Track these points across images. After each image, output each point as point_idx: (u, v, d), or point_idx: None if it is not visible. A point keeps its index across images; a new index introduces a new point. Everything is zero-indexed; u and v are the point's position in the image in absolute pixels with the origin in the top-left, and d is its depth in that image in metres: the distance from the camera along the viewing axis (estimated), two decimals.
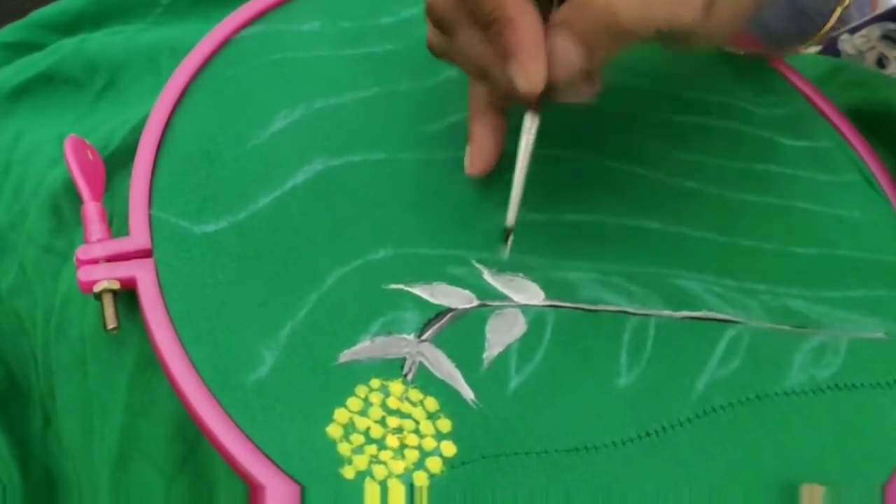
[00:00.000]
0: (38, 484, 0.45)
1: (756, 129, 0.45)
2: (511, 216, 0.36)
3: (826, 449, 0.35)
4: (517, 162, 0.35)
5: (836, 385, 0.37)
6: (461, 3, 0.34)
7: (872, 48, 0.54)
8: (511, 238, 0.37)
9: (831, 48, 0.56)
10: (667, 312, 0.38)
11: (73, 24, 0.52)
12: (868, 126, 0.46)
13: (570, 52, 0.33)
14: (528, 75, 0.33)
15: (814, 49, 0.57)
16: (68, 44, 0.50)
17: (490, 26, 0.34)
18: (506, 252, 0.37)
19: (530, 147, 0.35)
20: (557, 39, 0.33)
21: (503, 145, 0.39)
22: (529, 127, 0.35)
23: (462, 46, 0.36)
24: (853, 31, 0.55)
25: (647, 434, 0.34)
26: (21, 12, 0.54)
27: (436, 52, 0.38)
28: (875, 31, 0.54)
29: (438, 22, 0.36)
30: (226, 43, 0.43)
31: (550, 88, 0.34)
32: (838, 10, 0.41)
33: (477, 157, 0.39)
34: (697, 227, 0.41)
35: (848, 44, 0.55)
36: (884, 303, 0.40)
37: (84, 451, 0.41)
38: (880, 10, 0.57)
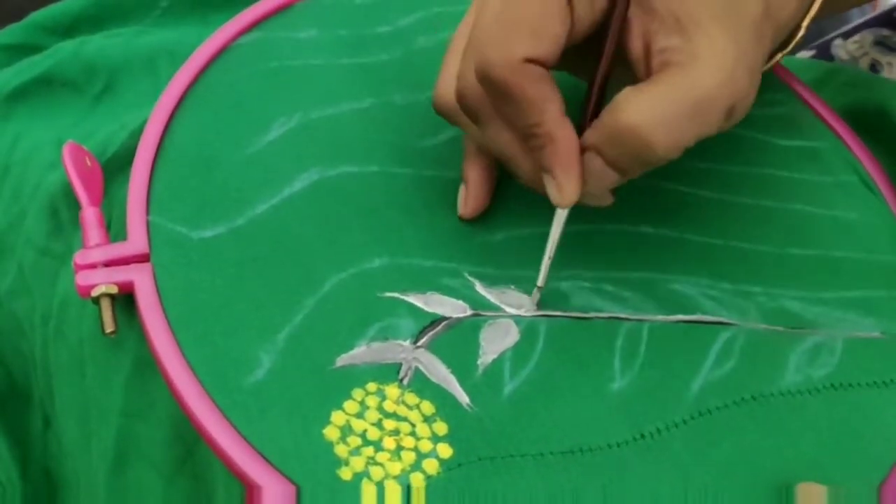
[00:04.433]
0: (38, 485, 0.45)
1: (751, 131, 0.45)
2: (542, 277, 0.37)
3: (822, 449, 0.35)
4: (550, 235, 0.36)
5: (832, 385, 0.37)
6: (497, 103, 0.35)
7: (865, 54, 0.54)
8: (538, 296, 0.37)
9: (825, 53, 0.56)
10: (661, 317, 0.38)
11: (71, 26, 0.52)
12: (863, 128, 0.46)
13: (605, 175, 0.34)
14: (565, 193, 0.35)
15: (808, 54, 0.57)
16: (67, 46, 0.50)
17: (529, 139, 0.34)
18: (533, 306, 0.38)
19: (561, 226, 0.36)
20: (593, 161, 0.34)
21: (495, 186, 0.40)
22: (561, 214, 0.36)
23: (489, 137, 0.36)
24: (846, 35, 0.55)
25: (642, 436, 0.35)
26: (20, 13, 0.54)
27: (446, 117, 0.39)
28: (868, 36, 0.54)
29: (468, 110, 0.36)
30: (224, 50, 0.43)
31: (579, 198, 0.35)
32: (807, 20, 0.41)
33: (471, 200, 0.39)
34: (693, 231, 0.41)
35: (841, 49, 0.55)
36: (880, 303, 0.40)
37: (83, 453, 0.41)
38: (880, 10, 0.57)
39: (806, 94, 0.47)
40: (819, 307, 0.39)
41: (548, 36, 0.33)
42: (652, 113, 0.32)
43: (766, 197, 0.42)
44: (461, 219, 0.40)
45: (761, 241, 0.41)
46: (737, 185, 0.43)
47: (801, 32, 0.41)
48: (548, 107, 0.33)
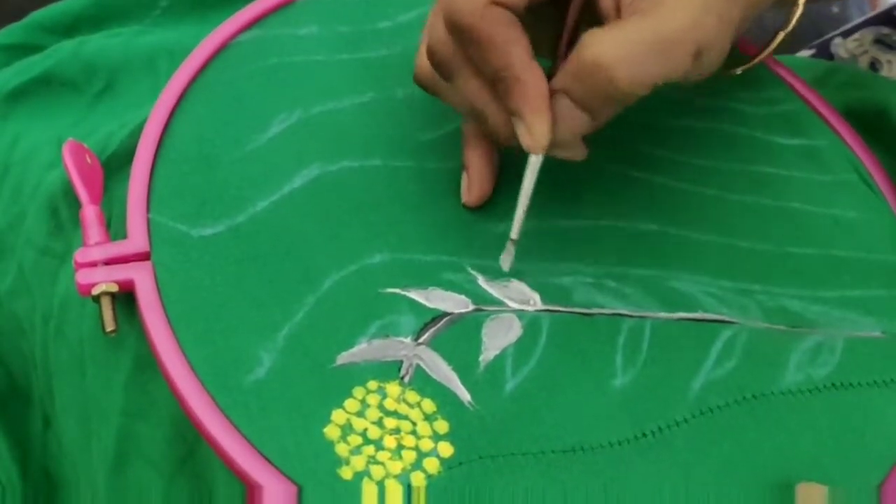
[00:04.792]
0: (38, 485, 0.45)
1: (751, 130, 0.45)
2: (515, 229, 0.37)
3: (823, 448, 0.35)
4: (522, 186, 0.36)
5: (833, 384, 0.37)
6: (466, 51, 0.35)
7: (865, 52, 0.54)
8: (513, 250, 0.37)
9: (824, 52, 0.56)
10: (662, 314, 0.38)
11: (71, 26, 0.52)
12: (863, 126, 0.46)
13: (574, 116, 0.35)
14: (535, 136, 0.35)
15: (807, 53, 0.57)
16: (66, 46, 0.50)
17: (497, 83, 0.35)
18: (507, 263, 0.38)
19: (534, 177, 0.36)
20: (561, 103, 0.34)
21: (497, 172, 0.40)
22: (535, 163, 0.36)
23: (460, 90, 0.37)
24: (846, 34, 0.55)
25: (644, 434, 0.35)
26: (20, 13, 0.54)
27: (425, 87, 0.39)
28: (868, 35, 0.54)
29: (439, 65, 0.37)
30: (224, 47, 0.43)
31: (551, 145, 0.35)
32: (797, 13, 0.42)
33: (474, 186, 0.39)
34: (693, 229, 0.41)
35: (841, 48, 0.55)
36: (881, 302, 0.40)
37: (83, 452, 0.41)
38: (880, 9, 0.57)
39: (806, 93, 0.47)
40: (819, 306, 0.39)
41: None
42: (615, 48, 0.33)
43: (767, 195, 0.42)
44: (465, 206, 0.40)
45: (761, 239, 0.41)
46: (737, 183, 0.43)
47: (800, 10, 0.41)
48: (514, 49, 0.34)
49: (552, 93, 0.35)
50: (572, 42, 0.35)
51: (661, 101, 0.45)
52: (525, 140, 0.35)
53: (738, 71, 0.46)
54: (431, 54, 0.36)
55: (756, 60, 0.45)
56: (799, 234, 0.41)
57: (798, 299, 0.39)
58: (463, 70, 0.36)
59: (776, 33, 0.43)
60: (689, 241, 0.40)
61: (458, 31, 0.34)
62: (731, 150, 0.44)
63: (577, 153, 0.37)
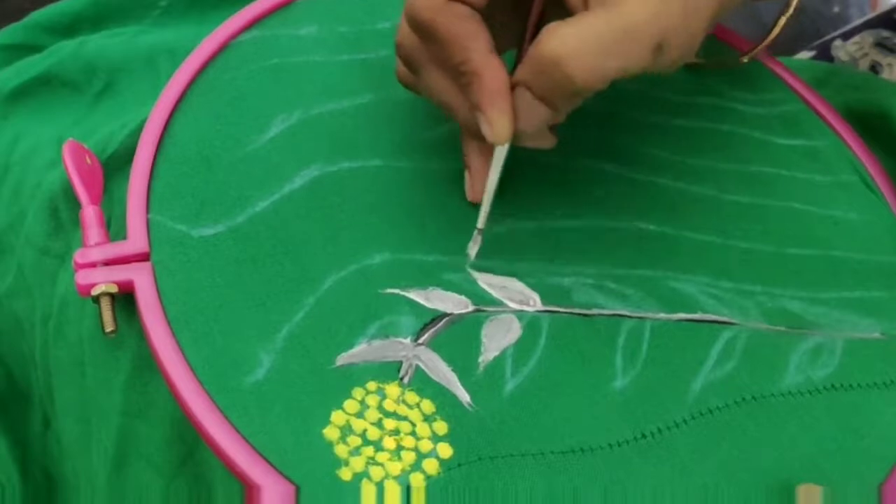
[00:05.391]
0: (38, 485, 0.45)
1: (751, 131, 0.45)
2: (481, 218, 0.37)
3: (823, 449, 0.35)
4: (488, 177, 0.37)
5: (833, 385, 0.37)
6: (429, 46, 0.36)
7: (865, 55, 0.54)
8: (479, 239, 0.38)
9: (824, 54, 0.56)
10: (662, 315, 0.38)
11: (71, 26, 0.52)
12: (863, 128, 0.46)
13: (535, 109, 0.35)
14: (496, 128, 0.35)
15: (807, 55, 0.57)
16: (67, 46, 0.50)
17: (459, 77, 0.35)
18: (473, 252, 0.38)
19: (500, 167, 0.36)
20: (522, 96, 0.34)
21: None
22: (499, 153, 0.36)
23: (429, 86, 0.37)
24: (846, 36, 0.55)
25: (643, 436, 0.34)
26: (20, 13, 0.54)
27: (404, 83, 0.39)
28: (868, 37, 0.54)
29: (406, 60, 0.37)
30: (224, 47, 0.43)
31: (516, 136, 0.35)
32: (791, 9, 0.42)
33: (477, 184, 0.39)
34: (693, 230, 0.41)
35: (841, 50, 0.55)
36: (881, 303, 0.40)
37: (83, 453, 0.41)
38: (880, 9, 0.57)
39: (806, 94, 0.47)
40: (819, 307, 0.39)
41: None
42: (572, 43, 0.33)
43: (767, 196, 0.42)
44: (472, 203, 0.40)
45: (761, 240, 0.41)
46: (737, 183, 0.43)
47: None
48: (473, 44, 0.34)
49: (514, 85, 0.35)
50: (536, 35, 0.35)
51: (661, 101, 0.45)
52: (486, 133, 0.35)
53: (745, 59, 0.46)
54: (399, 50, 0.37)
55: (759, 48, 0.45)
56: (799, 235, 0.41)
57: (798, 300, 0.39)
58: (428, 65, 0.36)
59: (777, 19, 0.42)
60: (690, 241, 0.40)
61: (419, 28, 0.35)
62: (732, 151, 0.44)
63: (545, 142, 0.37)
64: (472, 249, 0.38)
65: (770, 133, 0.45)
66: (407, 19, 0.35)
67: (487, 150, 0.39)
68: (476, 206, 0.38)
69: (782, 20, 0.43)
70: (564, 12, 0.35)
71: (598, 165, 0.42)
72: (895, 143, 0.47)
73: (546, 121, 0.35)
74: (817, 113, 0.46)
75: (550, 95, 0.34)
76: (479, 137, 0.36)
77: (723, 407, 0.36)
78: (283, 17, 0.45)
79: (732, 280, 0.39)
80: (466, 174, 0.40)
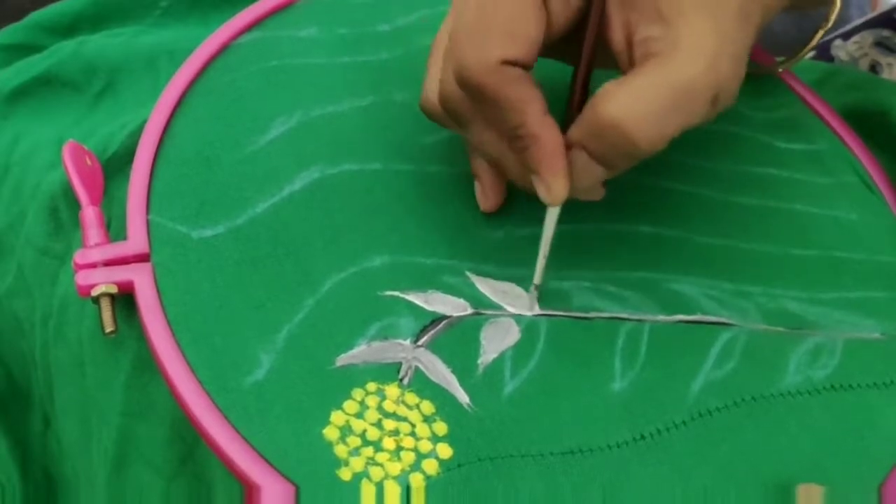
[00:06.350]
0: (38, 485, 0.45)
1: (752, 132, 0.45)
2: (538, 275, 0.37)
3: (822, 450, 0.35)
4: (543, 235, 0.36)
5: (833, 386, 0.37)
6: (479, 106, 0.35)
7: (865, 55, 0.54)
8: (536, 294, 0.37)
9: (824, 54, 0.56)
10: (661, 317, 0.38)
11: (71, 26, 0.52)
12: (863, 129, 0.46)
13: (591, 170, 0.34)
14: (553, 192, 0.34)
15: (807, 55, 0.57)
16: (67, 46, 0.50)
17: (513, 141, 0.34)
18: (534, 308, 0.37)
19: (554, 225, 0.36)
20: (578, 157, 0.34)
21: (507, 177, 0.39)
22: (553, 211, 0.36)
23: (475, 139, 0.36)
24: (846, 36, 0.55)
25: (643, 437, 0.34)
26: (20, 13, 0.54)
27: (435, 121, 0.38)
28: (868, 37, 0.54)
29: (452, 115, 0.36)
30: (224, 49, 0.43)
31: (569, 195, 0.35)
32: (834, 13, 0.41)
33: (490, 194, 0.39)
34: (693, 231, 0.41)
35: (841, 50, 0.55)
36: (881, 304, 0.40)
37: (83, 453, 0.41)
38: (880, 9, 0.57)
39: (807, 95, 0.47)
40: (819, 308, 0.39)
41: (522, 37, 0.33)
42: (633, 106, 0.32)
43: (767, 197, 0.42)
44: (484, 213, 0.40)
45: (762, 241, 0.41)
46: (737, 185, 0.43)
47: (837, 7, 0.41)
48: (528, 108, 0.33)
49: (568, 146, 0.34)
50: (585, 86, 0.35)
51: None
52: (544, 196, 0.35)
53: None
54: (445, 103, 0.36)
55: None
56: (799, 236, 0.41)
57: (798, 301, 0.39)
58: (477, 122, 0.36)
59: (815, 32, 0.42)
60: (689, 243, 0.40)
61: (470, 90, 0.34)
62: (732, 152, 0.44)
63: (596, 195, 0.37)
64: (533, 307, 0.37)
65: (771, 135, 0.45)
66: (457, 79, 0.34)
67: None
68: (475, 203, 0.39)
69: (820, 33, 0.43)
70: (605, 56, 0.35)
71: None
72: (895, 144, 0.47)
73: (601, 179, 0.35)
74: (817, 115, 0.46)
75: (611, 158, 0.34)
76: (526, 189, 0.36)
77: (722, 408, 0.36)
78: (284, 18, 0.45)
79: (732, 281, 0.39)
80: (477, 185, 0.40)
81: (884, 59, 0.54)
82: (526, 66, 0.34)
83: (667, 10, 0.33)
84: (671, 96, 0.32)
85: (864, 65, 0.54)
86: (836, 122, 0.46)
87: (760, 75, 0.47)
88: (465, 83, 0.34)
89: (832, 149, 0.45)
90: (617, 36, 0.35)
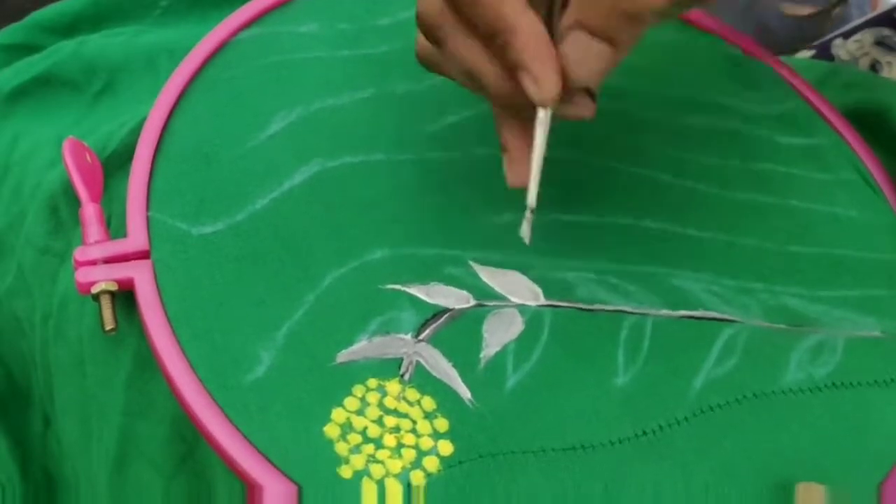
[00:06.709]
0: (38, 485, 0.45)
1: (753, 128, 0.45)
2: (531, 195, 0.34)
3: (823, 447, 0.35)
4: (534, 147, 0.34)
5: (834, 383, 0.37)
6: (455, 11, 0.33)
7: (866, 54, 0.54)
8: (531, 218, 0.35)
9: (825, 53, 0.56)
10: (664, 311, 0.38)
11: (71, 26, 0.52)
12: (864, 127, 0.46)
13: (594, 50, 0.32)
14: (544, 84, 0.32)
15: (807, 54, 0.57)
16: (66, 46, 0.50)
17: (493, 38, 0.32)
18: (527, 234, 0.35)
19: (545, 135, 0.34)
20: (579, 39, 0.32)
21: None
22: (543, 118, 0.33)
23: (455, 56, 0.34)
24: (847, 35, 0.55)
25: (644, 433, 0.34)
26: (20, 13, 0.54)
27: (425, 62, 0.37)
28: (868, 36, 0.54)
29: (429, 30, 0.35)
30: (224, 45, 0.43)
31: (561, 102, 0.33)
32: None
33: (517, 165, 0.36)
34: (695, 227, 0.41)
35: (841, 49, 0.55)
36: (881, 301, 0.40)
37: (83, 452, 0.41)
38: (880, 9, 0.57)
39: (807, 92, 0.47)
40: (820, 305, 0.39)
41: None
42: None
43: (768, 193, 0.42)
44: (512, 188, 0.36)
45: (763, 237, 0.41)
46: (739, 180, 0.43)
47: None
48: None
49: (563, 35, 0.32)
50: None
51: (664, 98, 0.45)
52: (533, 92, 0.32)
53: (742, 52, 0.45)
54: (421, 21, 0.34)
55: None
56: (800, 233, 0.41)
57: (799, 298, 0.39)
58: (455, 32, 0.33)
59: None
60: (692, 238, 0.40)
61: None
62: (734, 148, 0.44)
63: (586, 109, 0.34)
64: (526, 232, 0.35)
65: (772, 131, 0.45)
66: None
67: (527, 127, 0.36)
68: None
69: None
70: None
71: (602, 162, 0.42)
72: (895, 142, 0.47)
73: (609, 64, 0.32)
74: (818, 111, 0.46)
75: (615, 25, 0.31)
76: (516, 112, 0.34)
77: (724, 404, 0.36)
78: (284, 14, 0.45)
79: (734, 277, 0.39)
80: (505, 158, 0.36)
81: (884, 58, 0.54)
82: None
83: None
84: None
85: (864, 64, 0.54)
86: (836, 119, 0.46)
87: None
88: None
89: (832, 145, 0.45)
90: None
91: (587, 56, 0.32)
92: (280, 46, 0.44)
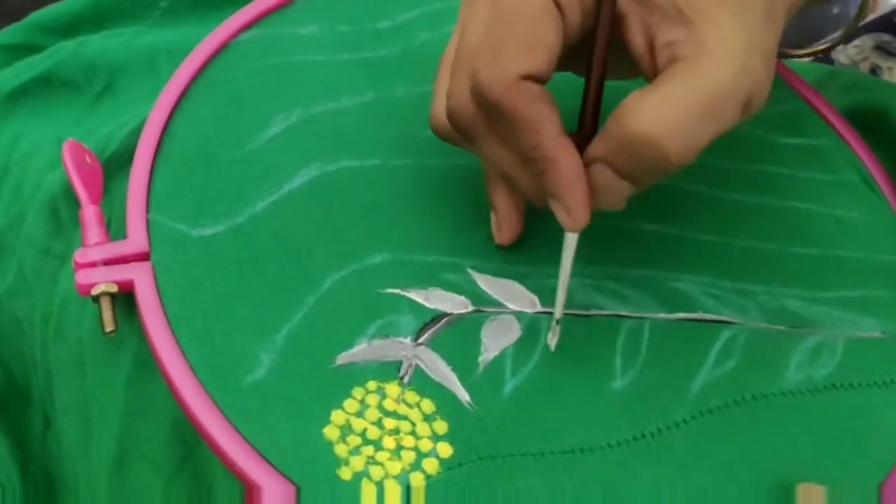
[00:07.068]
0: (38, 485, 0.45)
1: (753, 129, 0.45)
2: (558, 309, 0.35)
3: (823, 449, 0.35)
4: (561, 265, 0.34)
5: (833, 385, 0.37)
6: (492, 123, 0.33)
7: (866, 59, 0.54)
8: (558, 330, 0.36)
9: (825, 58, 0.56)
10: (662, 315, 0.38)
11: (71, 26, 0.52)
12: (864, 128, 0.46)
13: (616, 187, 0.32)
14: (574, 216, 0.32)
15: (808, 58, 0.57)
16: (67, 46, 0.50)
17: (529, 162, 0.32)
18: (553, 343, 0.36)
19: (573, 253, 0.34)
20: (601, 173, 0.32)
21: (524, 209, 0.38)
22: (572, 241, 0.34)
23: (486, 156, 0.34)
24: (847, 39, 0.55)
25: (643, 435, 0.34)
26: (20, 13, 0.54)
27: (443, 139, 0.37)
28: (868, 41, 0.54)
29: (461, 130, 0.34)
30: (224, 47, 0.43)
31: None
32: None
33: (505, 228, 0.38)
34: (694, 229, 0.41)
35: (841, 54, 0.55)
36: (881, 303, 0.40)
37: (83, 453, 0.41)
38: (880, 12, 0.57)
39: (807, 93, 0.47)
40: (820, 306, 0.39)
41: (542, 48, 0.31)
42: (664, 118, 0.30)
43: (768, 195, 0.42)
44: (498, 246, 0.38)
45: (762, 239, 0.41)
46: (738, 182, 0.43)
47: None
48: (546, 127, 0.31)
49: (588, 163, 0.32)
50: (599, 96, 0.33)
51: None
52: (564, 221, 0.33)
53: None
54: (452, 118, 0.34)
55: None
56: (800, 234, 0.41)
57: (799, 299, 0.39)
58: (488, 138, 0.34)
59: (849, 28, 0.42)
60: (690, 241, 0.40)
61: (485, 105, 0.32)
62: (733, 149, 0.44)
63: (617, 208, 0.34)
64: (552, 341, 0.36)
65: (771, 132, 0.45)
66: (473, 95, 0.32)
67: (513, 194, 0.37)
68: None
69: (855, 23, 0.42)
70: (623, 66, 0.34)
71: None
72: (895, 143, 0.47)
73: (626, 196, 0.33)
74: (818, 112, 0.46)
75: (638, 174, 0.32)
76: (532, 201, 0.34)
77: (723, 406, 0.36)
78: (284, 16, 0.45)
79: (733, 279, 0.39)
80: (493, 216, 0.38)
81: (884, 63, 0.54)
82: (544, 80, 0.32)
83: (689, 10, 0.31)
84: (703, 104, 0.30)
85: (864, 68, 0.55)
86: (836, 120, 0.46)
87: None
88: (481, 100, 0.32)
89: (833, 146, 0.45)
90: (637, 40, 0.33)
91: (610, 189, 0.32)
92: (280, 48, 0.44)
